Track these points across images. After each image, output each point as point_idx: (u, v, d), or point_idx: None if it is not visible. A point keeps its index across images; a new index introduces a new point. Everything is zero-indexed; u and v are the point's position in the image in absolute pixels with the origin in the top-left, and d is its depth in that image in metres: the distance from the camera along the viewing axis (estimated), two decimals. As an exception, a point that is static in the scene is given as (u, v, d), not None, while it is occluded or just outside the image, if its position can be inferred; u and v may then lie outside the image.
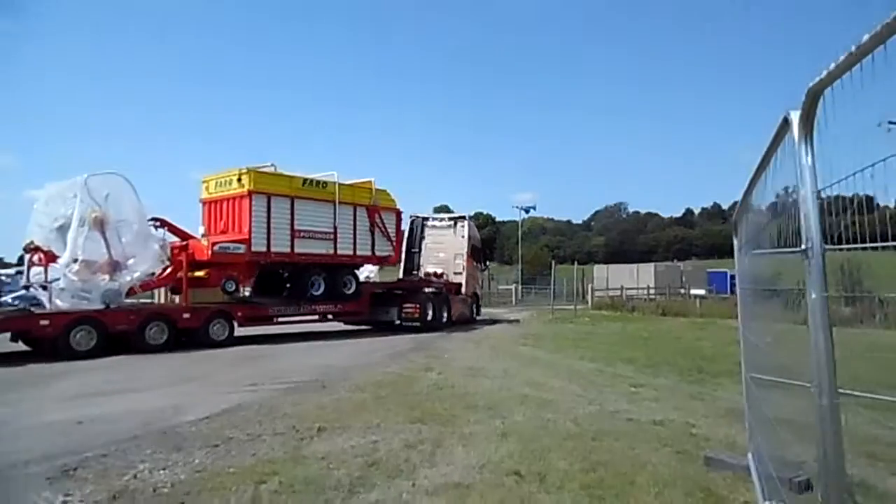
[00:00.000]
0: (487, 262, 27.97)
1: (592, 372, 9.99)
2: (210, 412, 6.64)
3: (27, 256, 12.08)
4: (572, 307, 26.97)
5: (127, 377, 9.62)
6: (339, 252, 16.01)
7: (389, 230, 17.57)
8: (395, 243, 17.97)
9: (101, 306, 12.06)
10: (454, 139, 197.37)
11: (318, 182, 15.69)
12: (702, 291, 34.63)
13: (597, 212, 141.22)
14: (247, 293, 16.21)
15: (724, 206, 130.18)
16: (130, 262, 12.58)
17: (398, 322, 17.99)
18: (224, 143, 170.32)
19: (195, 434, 5.72)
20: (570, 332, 17.57)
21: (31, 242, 12.19)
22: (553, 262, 30.25)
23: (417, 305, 17.93)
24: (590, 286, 33.39)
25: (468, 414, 6.69)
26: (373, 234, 16.97)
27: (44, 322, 11.35)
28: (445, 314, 18.93)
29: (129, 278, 12.56)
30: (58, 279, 11.90)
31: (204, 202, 15.23)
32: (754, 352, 4.44)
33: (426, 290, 18.91)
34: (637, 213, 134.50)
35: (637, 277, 37.19)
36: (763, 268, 3.96)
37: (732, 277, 43.66)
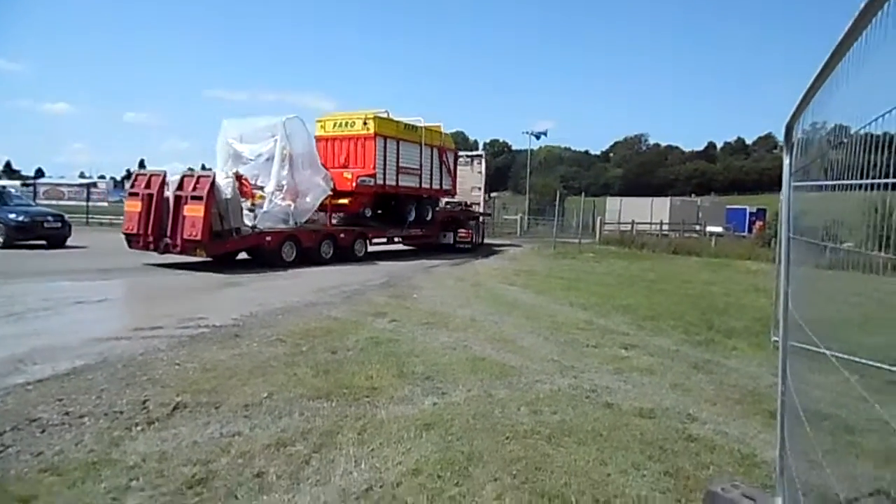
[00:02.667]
0: (496, 193, 31.41)
1: (579, 324, 8.25)
2: (55, 370, 5.03)
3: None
4: (576, 241, 25.09)
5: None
6: (422, 185, 18.75)
7: (451, 168, 20.48)
8: (453, 179, 20.79)
9: (294, 226, 14.50)
10: (475, 66, 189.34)
11: (412, 126, 18.14)
12: (719, 229, 32.41)
13: (616, 143, 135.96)
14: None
15: (749, 141, 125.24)
16: (304, 189, 14.65)
17: (453, 244, 21.00)
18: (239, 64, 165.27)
19: (-8, 411, 4.09)
20: (567, 270, 15.79)
21: (237, 172, 13.87)
22: (558, 193, 28.08)
23: (470, 231, 21.71)
24: (599, 220, 31.27)
25: (395, 386, 5.02)
26: (441, 171, 19.67)
27: (268, 238, 13.82)
28: (479, 238, 23.00)
29: (307, 205, 14.72)
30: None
31: (319, 139, 17.05)
32: (805, 310, 2.72)
33: (472, 218, 22.57)
34: (657, 145, 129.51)
35: (652, 212, 34.89)
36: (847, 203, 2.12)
37: (752, 215, 41.67)
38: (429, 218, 19.69)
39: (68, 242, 17.32)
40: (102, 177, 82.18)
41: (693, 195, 68.26)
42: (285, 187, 14.25)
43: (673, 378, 5.70)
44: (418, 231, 19.35)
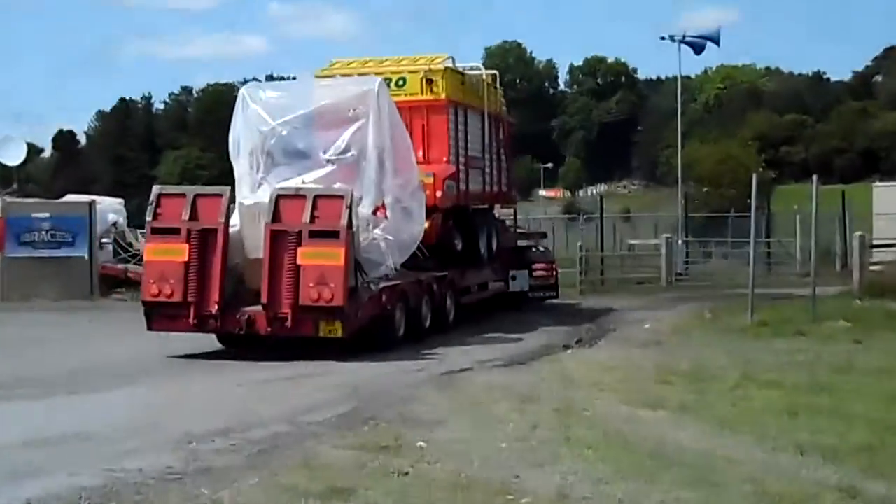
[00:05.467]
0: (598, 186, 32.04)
1: (825, 499, 4.78)
2: None
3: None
4: (807, 292, 17.75)
5: None
6: (485, 189, 16.11)
7: (508, 154, 17.99)
8: (510, 174, 18.28)
9: (396, 273, 13.64)
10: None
11: (472, 81, 15.45)
12: None
13: (889, 50, 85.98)
14: None
15: None
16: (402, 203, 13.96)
17: (526, 292, 16.96)
18: None
19: None
20: (785, 365, 10.32)
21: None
22: (754, 177, 17.59)
23: (550, 266, 17.70)
24: (856, 237, 21.19)
25: None
26: (499, 160, 16.83)
27: (384, 298, 12.17)
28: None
29: (408, 230, 14.45)
30: None
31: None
32: None
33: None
34: None
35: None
36: None
37: None
38: (494, 246, 16.29)
39: None
40: None
41: None
42: (386, 203, 11.92)
43: None
44: (489, 272, 16.21)
